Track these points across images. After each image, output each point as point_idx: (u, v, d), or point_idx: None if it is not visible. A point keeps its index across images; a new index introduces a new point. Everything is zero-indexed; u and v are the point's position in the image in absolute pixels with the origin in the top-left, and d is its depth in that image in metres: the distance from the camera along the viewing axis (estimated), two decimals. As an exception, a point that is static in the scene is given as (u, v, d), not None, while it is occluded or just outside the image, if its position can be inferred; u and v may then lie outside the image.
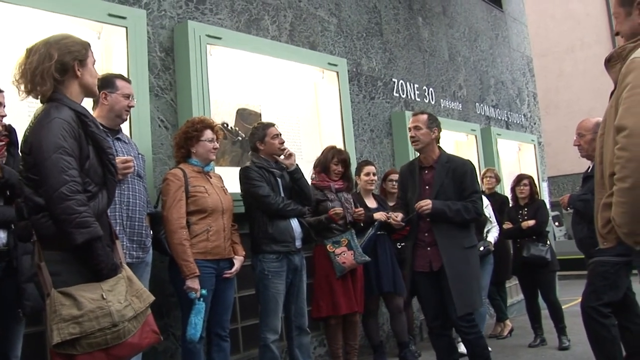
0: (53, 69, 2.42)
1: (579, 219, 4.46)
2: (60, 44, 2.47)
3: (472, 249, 4.29)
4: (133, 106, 3.61)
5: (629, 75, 2.08)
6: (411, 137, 4.40)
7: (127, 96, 3.53)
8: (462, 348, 5.52)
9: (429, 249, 4.24)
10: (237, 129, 5.10)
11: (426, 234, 4.28)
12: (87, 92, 2.59)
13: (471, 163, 4.42)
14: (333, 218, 4.71)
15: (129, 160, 3.35)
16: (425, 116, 4.35)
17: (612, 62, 2.27)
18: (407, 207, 4.39)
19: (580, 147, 4.40)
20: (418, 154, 4.47)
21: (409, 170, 4.50)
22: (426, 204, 4.13)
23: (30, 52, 2.46)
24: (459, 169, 4.27)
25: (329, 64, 5.84)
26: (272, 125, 4.45)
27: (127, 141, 3.63)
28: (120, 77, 3.61)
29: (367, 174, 5.47)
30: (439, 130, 4.36)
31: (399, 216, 4.42)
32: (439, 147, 4.42)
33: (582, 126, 4.39)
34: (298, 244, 4.35)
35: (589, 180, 4.20)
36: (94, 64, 2.59)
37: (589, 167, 4.40)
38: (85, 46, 2.57)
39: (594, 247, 3.95)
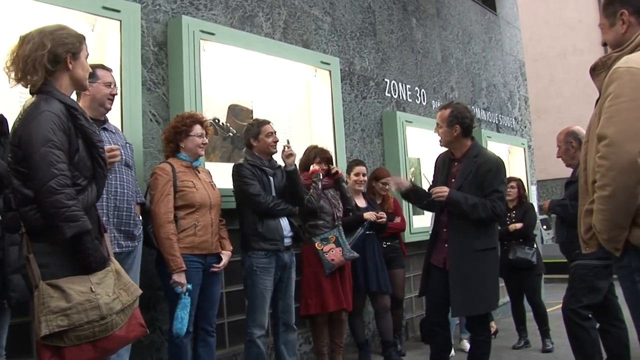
0: (45, 59, 2.41)
1: (560, 223, 4.55)
2: (55, 34, 2.47)
3: (485, 252, 4.03)
4: (115, 94, 3.56)
5: (612, 84, 2.12)
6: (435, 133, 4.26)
7: (109, 84, 3.49)
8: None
9: (445, 245, 4.13)
10: (228, 124, 5.11)
11: (444, 229, 4.17)
12: (78, 85, 2.60)
13: (500, 161, 4.16)
14: (315, 171, 4.80)
15: (115, 149, 3.30)
16: (447, 112, 4.13)
17: (597, 71, 2.32)
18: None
19: (561, 157, 4.57)
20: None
21: (442, 160, 4.35)
22: (441, 190, 4.02)
23: (23, 40, 2.46)
24: (483, 166, 4.04)
25: (322, 62, 5.85)
26: (267, 122, 4.46)
27: (114, 131, 3.60)
28: (101, 66, 3.56)
29: (357, 174, 5.51)
30: (464, 125, 4.09)
31: (403, 183, 4.38)
32: (472, 138, 4.21)
33: (557, 137, 4.57)
34: (287, 242, 4.37)
35: (571, 185, 4.35)
36: (86, 57, 2.60)
37: (572, 173, 4.51)
38: (80, 39, 2.57)
39: (575, 251, 4.06)
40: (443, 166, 4.30)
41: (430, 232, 4.44)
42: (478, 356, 4.18)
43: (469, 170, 4.08)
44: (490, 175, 4.02)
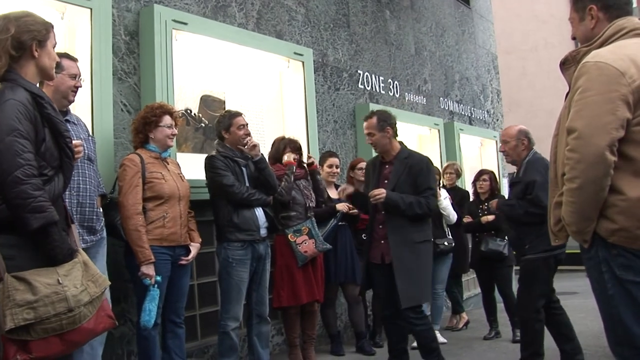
0: (8, 44, 2.35)
1: (508, 220, 4.75)
2: (20, 21, 2.41)
3: (423, 244, 4.34)
4: (80, 86, 3.44)
5: (580, 78, 2.15)
6: (369, 143, 4.50)
7: (74, 76, 3.37)
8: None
9: (382, 242, 4.36)
10: (200, 115, 5.07)
11: (380, 227, 4.39)
12: (44, 74, 2.53)
13: (428, 160, 4.50)
14: (289, 163, 4.78)
15: (78, 145, 3.23)
16: (374, 120, 4.40)
17: (567, 65, 2.34)
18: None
19: (505, 153, 4.69)
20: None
21: (372, 165, 4.59)
22: (379, 192, 4.21)
23: None
24: (415, 166, 4.34)
25: (295, 53, 5.83)
26: (239, 114, 4.44)
27: (76, 122, 3.49)
28: (67, 56, 3.43)
29: (330, 166, 5.53)
30: (393, 126, 4.42)
31: (347, 189, 4.69)
32: (400, 142, 4.50)
33: (506, 133, 4.69)
34: (263, 232, 4.36)
35: (516, 185, 4.50)
36: (54, 46, 2.53)
37: (515, 173, 4.67)
38: (47, 27, 2.50)
39: (524, 246, 4.43)
40: (374, 170, 4.55)
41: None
42: (425, 345, 4.32)
43: (401, 170, 4.35)
44: (422, 175, 4.34)
